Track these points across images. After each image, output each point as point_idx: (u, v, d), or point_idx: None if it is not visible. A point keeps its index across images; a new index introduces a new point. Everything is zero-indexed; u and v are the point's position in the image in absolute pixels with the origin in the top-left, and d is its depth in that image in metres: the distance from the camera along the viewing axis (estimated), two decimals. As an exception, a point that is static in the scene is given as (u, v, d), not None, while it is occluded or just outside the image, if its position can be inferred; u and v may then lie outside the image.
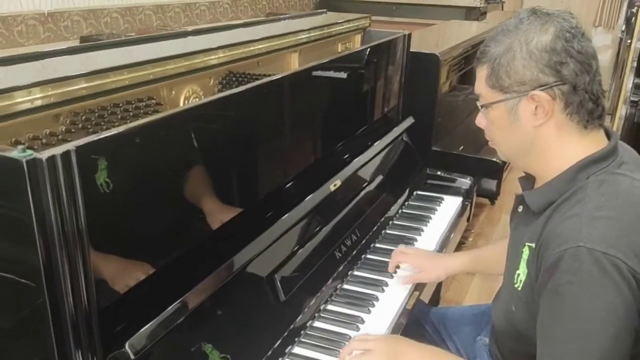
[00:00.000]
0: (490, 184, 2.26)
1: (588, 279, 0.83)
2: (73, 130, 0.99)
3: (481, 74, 0.99)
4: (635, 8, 3.74)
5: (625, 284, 0.83)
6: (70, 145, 0.74)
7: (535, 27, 0.93)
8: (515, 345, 1.09)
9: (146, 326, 0.91)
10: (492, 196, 2.73)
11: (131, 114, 1.09)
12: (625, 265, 0.83)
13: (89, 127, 1.00)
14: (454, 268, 1.43)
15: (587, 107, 0.93)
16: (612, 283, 0.82)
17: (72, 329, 0.81)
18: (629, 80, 3.33)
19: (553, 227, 0.91)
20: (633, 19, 3.78)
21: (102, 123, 1.03)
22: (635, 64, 3.27)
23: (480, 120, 1.04)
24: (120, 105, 1.08)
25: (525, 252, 0.99)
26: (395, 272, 1.44)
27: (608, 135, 0.99)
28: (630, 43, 3.55)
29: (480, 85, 1.00)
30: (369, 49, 1.71)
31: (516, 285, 1.01)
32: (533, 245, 0.97)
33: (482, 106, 1.01)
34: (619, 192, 0.90)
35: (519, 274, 1.01)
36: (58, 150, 0.73)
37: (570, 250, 0.85)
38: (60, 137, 0.97)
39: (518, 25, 0.94)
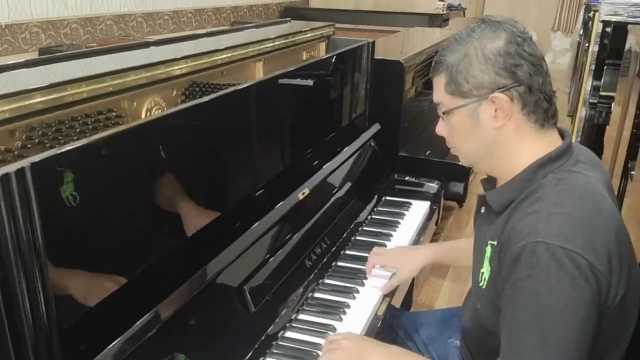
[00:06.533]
0: (457, 187, 2.29)
1: (545, 273, 0.85)
2: (29, 145, 0.96)
3: (439, 82, 1.02)
4: (592, 12, 3.87)
5: (583, 278, 0.85)
6: (25, 162, 0.72)
7: (488, 33, 0.96)
8: (483, 343, 1.10)
9: (111, 344, 0.88)
10: (460, 199, 2.77)
11: (90, 127, 1.06)
12: (583, 260, 0.85)
13: (46, 142, 0.98)
14: (427, 258, 1.45)
15: (543, 107, 0.97)
16: (569, 277, 0.84)
17: (33, 351, 0.78)
18: (587, 83, 3.43)
19: (514, 224, 0.93)
20: (590, 23, 3.90)
21: (60, 137, 1.00)
22: (593, 67, 3.36)
23: (442, 129, 1.06)
24: (79, 118, 1.05)
25: (488, 250, 1.01)
26: (367, 278, 1.44)
27: (562, 136, 1.03)
28: (588, 46, 3.66)
29: (440, 94, 1.02)
30: (334, 57, 1.72)
31: (481, 284, 1.03)
32: (495, 242, 0.99)
33: (443, 113, 1.03)
34: (575, 188, 0.93)
35: (483, 273, 1.03)
36: (12, 167, 0.71)
37: (529, 245, 0.87)
38: (16, 153, 0.94)
39: (470, 33, 0.98)
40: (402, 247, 1.62)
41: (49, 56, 1.26)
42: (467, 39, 0.97)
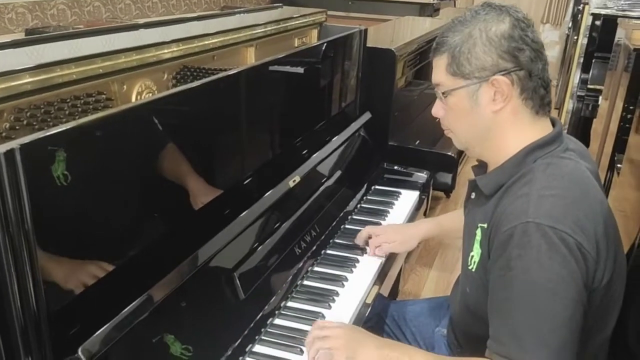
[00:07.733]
0: (445, 178, 2.30)
1: (536, 252, 0.87)
2: (17, 127, 0.94)
3: (440, 63, 1.02)
4: (582, 5, 3.88)
5: (572, 257, 0.86)
6: (14, 144, 0.71)
7: (493, 16, 0.98)
8: (470, 329, 1.12)
9: (100, 329, 0.87)
10: (448, 189, 2.78)
11: (79, 109, 1.05)
12: (572, 239, 0.86)
13: (34, 123, 0.96)
14: (420, 234, 1.52)
15: (540, 93, 0.99)
16: (560, 256, 0.86)
17: (21, 335, 0.78)
18: (575, 76, 3.45)
19: (504, 207, 0.95)
20: (579, 16, 3.91)
21: (49, 119, 0.99)
22: (581, 60, 3.39)
23: (438, 110, 1.07)
24: (68, 100, 1.03)
25: (478, 233, 1.03)
26: (357, 264, 1.45)
27: (553, 124, 1.05)
28: (577, 40, 3.68)
29: (440, 74, 1.03)
30: (325, 44, 1.71)
31: (470, 267, 1.05)
32: (485, 225, 1.00)
33: (443, 93, 1.03)
34: (564, 172, 0.95)
35: (472, 256, 1.04)
36: (1, 149, 0.70)
37: (519, 226, 0.89)
38: (3, 134, 0.92)
39: (475, 15, 1.00)
40: (396, 225, 1.64)
41: (36, 36, 1.24)
42: (472, 20, 0.99)
